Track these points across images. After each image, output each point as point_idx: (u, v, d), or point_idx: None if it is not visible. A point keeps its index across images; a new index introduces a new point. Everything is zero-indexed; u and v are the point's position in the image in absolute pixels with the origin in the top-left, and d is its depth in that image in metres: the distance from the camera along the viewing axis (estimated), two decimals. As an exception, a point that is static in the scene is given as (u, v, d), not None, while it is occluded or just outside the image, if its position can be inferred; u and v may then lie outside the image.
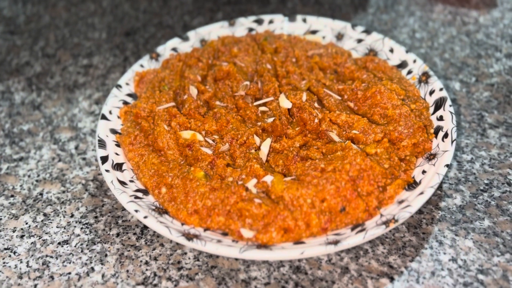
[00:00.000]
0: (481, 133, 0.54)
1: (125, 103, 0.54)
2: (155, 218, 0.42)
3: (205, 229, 0.43)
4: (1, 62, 0.69)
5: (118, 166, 0.47)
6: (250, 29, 0.62)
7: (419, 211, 0.47)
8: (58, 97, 0.62)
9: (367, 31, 0.60)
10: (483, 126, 0.55)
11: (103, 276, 0.44)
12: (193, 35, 0.61)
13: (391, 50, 0.57)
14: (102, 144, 0.49)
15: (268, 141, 0.47)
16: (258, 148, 0.47)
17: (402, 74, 0.55)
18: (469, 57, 0.64)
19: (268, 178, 0.43)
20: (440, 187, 0.49)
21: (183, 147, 0.47)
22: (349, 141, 0.45)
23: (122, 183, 0.46)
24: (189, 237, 0.40)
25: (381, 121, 0.49)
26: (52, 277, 0.44)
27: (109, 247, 0.46)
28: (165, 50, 0.60)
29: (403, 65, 0.56)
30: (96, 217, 0.49)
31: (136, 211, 0.42)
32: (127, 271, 0.44)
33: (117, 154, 0.49)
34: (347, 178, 0.42)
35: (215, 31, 0.62)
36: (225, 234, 0.42)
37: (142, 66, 0.58)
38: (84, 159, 0.54)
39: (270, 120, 0.49)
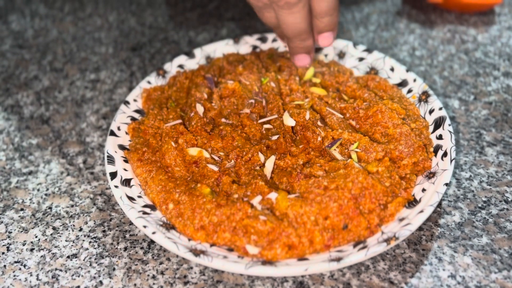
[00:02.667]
0: (479, 151, 0.56)
1: (133, 119, 0.55)
2: (163, 233, 0.43)
3: (211, 245, 0.44)
4: (10, 76, 0.70)
5: (126, 182, 0.49)
6: (254, 47, 0.64)
7: (419, 228, 0.48)
8: (66, 112, 0.64)
9: (369, 50, 0.61)
10: (481, 144, 0.56)
11: (111, 289, 0.45)
12: (199, 52, 0.63)
13: (392, 69, 0.59)
14: (111, 160, 0.50)
15: (272, 159, 0.48)
16: (262, 165, 0.48)
17: (403, 93, 0.56)
18: (468, 75, 0.66)
19: (273, 195, 0.45)
20: (439, 205, 0.50)
21: (190, 164, 0.49)
22: (351, 159, 0.46)
23: (131, 198, 0.47)
24: (196, 253, 0.42)
25: (382, 140, 0.50)
26: (61, 290, 0.45)
27: (117, 261, 0.47)
28: (171, 67, 0.61)
29: (403, 83, 0.57)
30: (104, 231, 0.50)
31: (145, 226, 0.44)
32: (135, 285, 0.45)
33: (125, 169, 0.50)
34: (349, 196, 0.43)
35: (220, 48, 0.64)
36: (230, 249, 0.44)
37: (149, 82, 0.59)
38: (92, 173, 0.56)
39: (275, 137, 0.50)
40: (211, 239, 0.44)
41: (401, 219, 0.44)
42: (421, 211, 0.43)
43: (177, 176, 0.48)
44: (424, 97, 0.55)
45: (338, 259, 0.41)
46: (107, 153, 0.50)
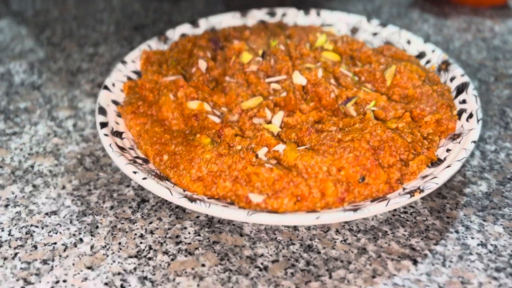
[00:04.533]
0: (504, 126, 0.51)
1: (130, 79, 0.51)
2: (155, 181, 0.38)
3: (209, 198, 0.39)
4: (4, 48, 0.67)
5: (117, 134, 0.44)
6: (262, 22, 0.61)
7: (442, 196, 0.43)
8: (60, 80, 0.60)
9: (383, 24, 0.58)
10: (505, 120, 0.52)
11: (92, 247, 0.39)
12: (204, 22, 0.59)
13: (408, 42, 0.55)
14: (102, 111, 0.45)
15: (280, 114, 0.44)
16: (269, 122, 0.44)
17: (421, 64, 0.53)
18: (486, 59, 0.62)
19: (280, 147, 0.40)
20: (463, 174, 0.45)
21: (189, 117, 0.44)
22: (368, 112, 0.42)
23: (121, 148, 0.42)
24: (192, 199, 0.36)
25: (401, 102, 0.46)
26: (35, 246, 0.39)
27: (101, 219, 0.42)
28: (174, 34, 0.58)
29: (421, 55, 0.54)
30: (89, 190, 0.45)
31: (135, 172, 0.39)
32: (119, 243, 0.39)
33: (117, 123, 0.45)
34: (367, 146, 0.39)
35: (226, 20, 0.60)
36: (231, 203, 0.38)
37: (149, 46, 0.55)
38: (81, 135, 0.51)
39: (283, 94, 0.46)
40: (209, 191, 0.39)
41: (425, 177, 0.39)
42: (448, 166, 0.38)
43: (174, 129, 0.44)
44: (444, 66, 0.51)
45: (355, 209, 0.35)
46: (99, 104, 0.46)
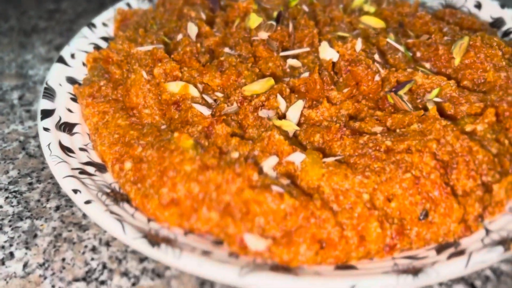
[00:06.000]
0: None
1: (98, 48, 0.38)
2: (105, 206, 0.25)
3: (187, 232, 0.26)
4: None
5: (67, 127, 0.31)
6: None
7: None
8: (9, 42, 0.48)
9: (443, -18, 0.43)
10: None
11: (25, 265, 0.28)
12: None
13: (478, 6, 0.41)
14: (49, 94, 0.32)
15: (299, 104, 0.30)
16: (283, 116, 0.30)
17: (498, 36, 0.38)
18: None
19: (297, 157, 0.26)
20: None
21: (168, 105, 0.31)
22: (433, 107, 0.28)
23: (67, 150, 0.29)
24: (154, 240, 0.23)
25: (476, 90, 0.32)
26: None
27: (41, 225, 0.30)
28: (163, -9, 0.44)
29: (496, 24, 0.39)
30: (30, 183, 0.33)
31: (76, 191, 0.26)
32: (63, 260, 0.28)
33: (70, 111, 0.32)
34: (433, 163, 0.25)
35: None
36: (219, 243, 0.25)
37: (129, 5, 0.42)
38: (28, 111, 0.39)
39: (304, 75, 0.32)
40: (186, 221, 0.26)
41: (519, 211, 0.25)
42: (561, 198, 0.25)
43: (145, 122, 0.30)
44: (533, 40, 0.36)
45: (415, 271, 0.22)
46: (47, 84, 0.33)
